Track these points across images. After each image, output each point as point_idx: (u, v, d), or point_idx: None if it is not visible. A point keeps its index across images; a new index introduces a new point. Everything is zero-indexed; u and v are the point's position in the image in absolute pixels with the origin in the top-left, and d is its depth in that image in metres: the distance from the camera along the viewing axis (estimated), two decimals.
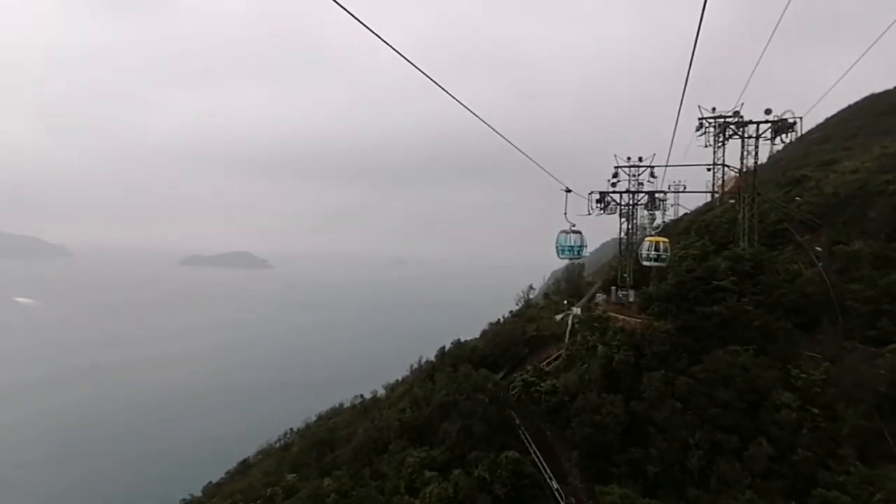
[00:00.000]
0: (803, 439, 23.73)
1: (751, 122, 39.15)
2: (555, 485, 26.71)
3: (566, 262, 41.43)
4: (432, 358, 46.52)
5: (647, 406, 27.55)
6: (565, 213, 22.59)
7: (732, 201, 43.36)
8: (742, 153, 39.71)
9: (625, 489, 23.45)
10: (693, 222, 50.66)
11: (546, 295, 61.63)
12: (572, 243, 27.47)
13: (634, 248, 41.86)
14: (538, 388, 32.65)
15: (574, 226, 24.92)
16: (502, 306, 57.81)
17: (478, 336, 50.10)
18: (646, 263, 35.47)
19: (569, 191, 21.05)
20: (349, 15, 7.42)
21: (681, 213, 50.08)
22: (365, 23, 7.79)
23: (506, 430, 29.78)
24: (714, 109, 40.85)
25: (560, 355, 36.95)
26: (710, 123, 41.01)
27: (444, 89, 10.87)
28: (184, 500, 45.24)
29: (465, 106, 12.26)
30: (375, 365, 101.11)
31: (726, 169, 42.41)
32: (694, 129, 41.79)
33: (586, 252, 28.70)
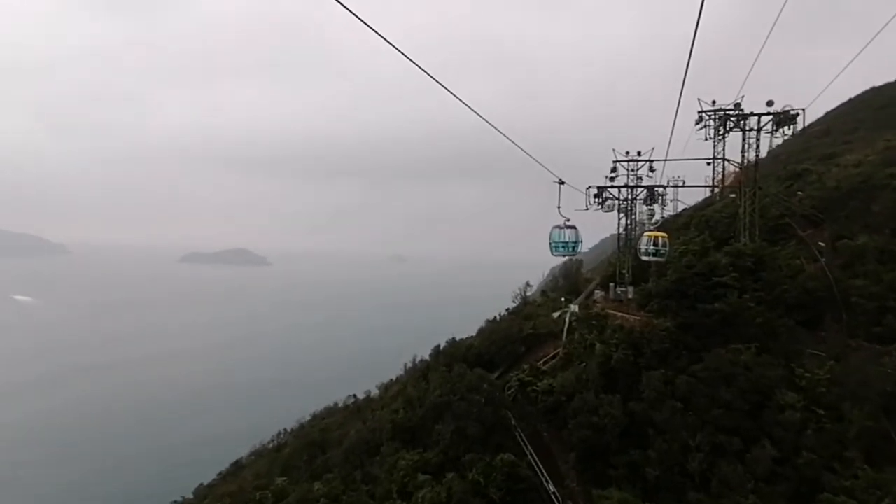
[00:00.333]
0: (808, 441, 23.02)
1: (752, 114, 38.61)
2: (552, 488, 26.10)
3: (563, 258, 39.82)
4: (427, 357, 45.81)
5: (646, 406, 26.88)
6: (559, 207, 21.22)
7: (733, 196, 42.67)
8: (743, 146, 39.20)
9: (623, 493, 22.91)
10: (693, 217, 49.83)
11: (544, 292, 60.88)
12: (566, 239, 24.82)
13: (633, 244, 41.12)
14: (535, 387, 31.97)
15: (568, 220, 22.70)
16: (502, 304, 57.05)
17: (474, 334, 49.31)
18: (644, 258, 34.89)
19: (562, 182, 19.95)
20: (350, 14, 7.49)
21: (680, 208, 49.43)
22: (365, 21, 7.88)
23: (501, 432, 29.13)
24: (714, 102, 40.29)
25: (557, 354, 36.28)
26: (710, 116, 40.59)
27: (442, 85, 10.96)
28: (175, 502, 44.74)
29: (464, 103, 12.32)
30: (376, 363, 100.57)
31: (726, 163, 41.79)
32: (693, 123, 41.23)
33: (582, 248, 26.64)
